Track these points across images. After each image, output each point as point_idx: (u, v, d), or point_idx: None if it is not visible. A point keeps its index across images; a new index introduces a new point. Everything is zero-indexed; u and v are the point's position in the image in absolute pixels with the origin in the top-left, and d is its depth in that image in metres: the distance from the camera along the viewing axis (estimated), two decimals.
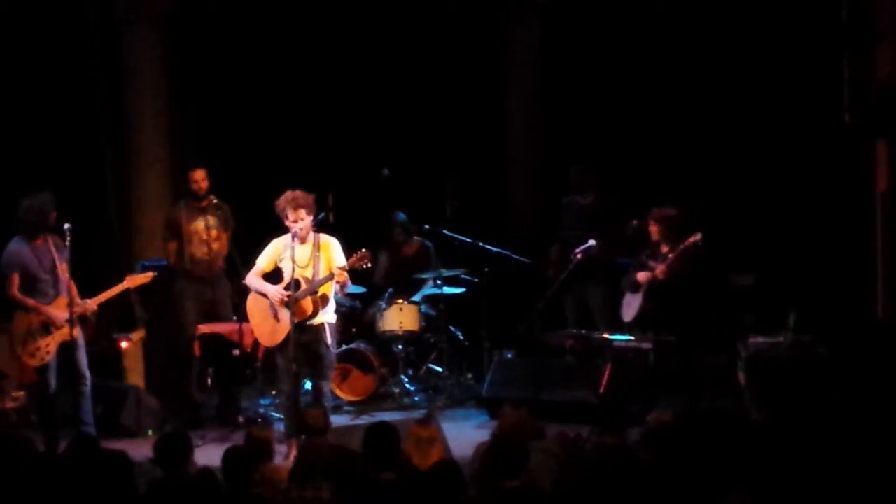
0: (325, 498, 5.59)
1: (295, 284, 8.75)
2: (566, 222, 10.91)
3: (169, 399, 10.32)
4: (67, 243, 8.98)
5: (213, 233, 10.28)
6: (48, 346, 9.00)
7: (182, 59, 11.90)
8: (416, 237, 11.44)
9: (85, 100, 11.70)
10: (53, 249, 9.02)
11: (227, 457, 6.26)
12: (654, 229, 9.88)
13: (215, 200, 10.24)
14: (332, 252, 8.89)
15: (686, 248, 9.64)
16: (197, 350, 10.18)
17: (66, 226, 8.95)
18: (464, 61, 12.61)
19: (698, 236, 9.62)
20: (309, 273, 8.82)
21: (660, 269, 9.73)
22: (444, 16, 12.59)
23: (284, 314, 8.83)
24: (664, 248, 9.85)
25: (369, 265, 8.90)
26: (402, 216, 11.40)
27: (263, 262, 9.03)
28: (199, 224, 10.30)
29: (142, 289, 10.00)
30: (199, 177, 10.27)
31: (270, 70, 12.31)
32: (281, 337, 8.85)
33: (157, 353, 10.68)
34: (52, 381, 9.05)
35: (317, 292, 8.80)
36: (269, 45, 12.27)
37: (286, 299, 8.75)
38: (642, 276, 9.83)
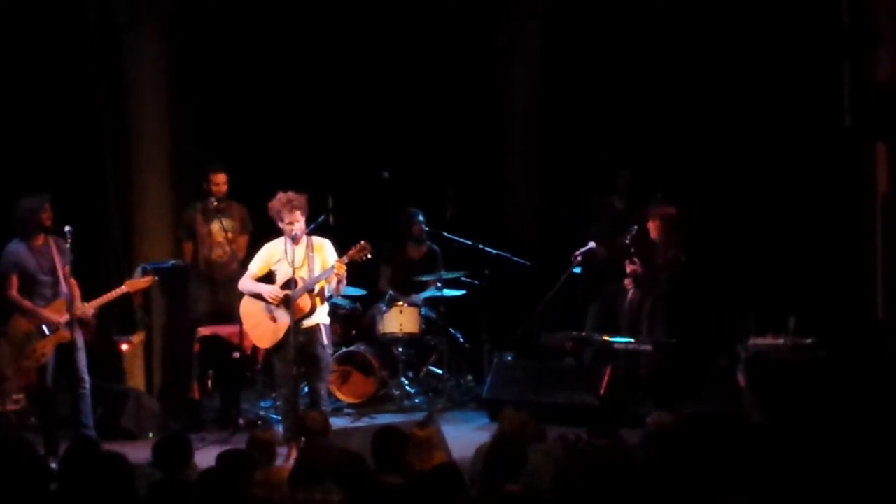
0: (335, 500, 5.58)
1: (293, 284, 8.76)
2: (600, 222, 10.79)
3: (169, 401, 10.32)
4: (68, 246, 8.98)
5: (230, 235, 10.27)
6: (44, 349, 9.00)
7: (183, 60, 11.86)
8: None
9: (85, 101, 11.68)
10: (56, 251, 9.01)
11: (221, 460, 6.24)
12: (653, 226, 10.01)
13: (216, 203, 10.24)
14: (326, 253, 8.92)
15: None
16: (197, 352, 10.18)
17: (67, 228, 8.94)
18: (464, 63, 12.58)
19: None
20: (304, 273, 8.83)
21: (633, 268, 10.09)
22: (444, 18, 12.57)
23: (281, 314, 8.83)
24: (662, 245, 10.04)
25: (369, 256, 8.90)
26: (422, 216, 11.39)
27: (256, 266, 9.04)
28: (216, 226, 10.29)
29: (147, 291, 10.01)
30: (221, 180, 10.29)
31: (271, 72, 12.29)
32: (279, 336, 8.86)
33: (159, 354, 10.66)
34: (50, 382, 9.06)
35: (314, 289, 8.81)
36: (270, 46, 12.25)
37: (283, 297, 8.76)
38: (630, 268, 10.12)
